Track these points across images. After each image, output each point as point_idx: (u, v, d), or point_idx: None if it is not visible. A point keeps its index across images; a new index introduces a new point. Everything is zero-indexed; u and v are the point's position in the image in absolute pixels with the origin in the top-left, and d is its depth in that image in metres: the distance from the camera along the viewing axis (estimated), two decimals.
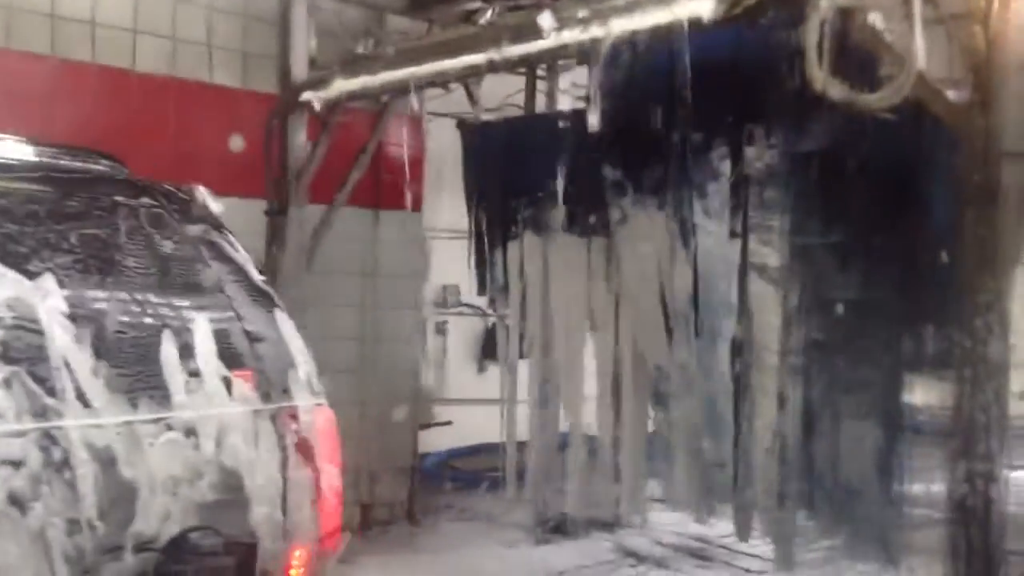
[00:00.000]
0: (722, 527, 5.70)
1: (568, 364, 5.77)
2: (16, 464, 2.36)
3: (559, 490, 5.94)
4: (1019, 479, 4.04)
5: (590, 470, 5.79)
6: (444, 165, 6.80)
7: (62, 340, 2.50)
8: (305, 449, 2.95)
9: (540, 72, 6.86)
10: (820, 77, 3.61)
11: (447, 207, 6.82)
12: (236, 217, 5.61)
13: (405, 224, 6.77)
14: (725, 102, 4.91)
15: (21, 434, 2.38)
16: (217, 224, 3.03)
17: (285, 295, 5.75)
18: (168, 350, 2.70)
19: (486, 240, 6.26)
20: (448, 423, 7.49)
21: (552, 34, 4.44)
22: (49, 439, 2.44)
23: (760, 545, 5.56)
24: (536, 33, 4.48)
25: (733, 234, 5.01)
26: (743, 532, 5.17)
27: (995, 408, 3.72)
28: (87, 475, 2.48)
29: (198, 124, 5.88)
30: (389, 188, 6.66)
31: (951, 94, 3.88)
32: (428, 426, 7.24)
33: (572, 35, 4.40)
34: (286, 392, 2.95)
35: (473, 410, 7.26)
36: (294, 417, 2.94)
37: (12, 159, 2.76)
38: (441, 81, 5.47)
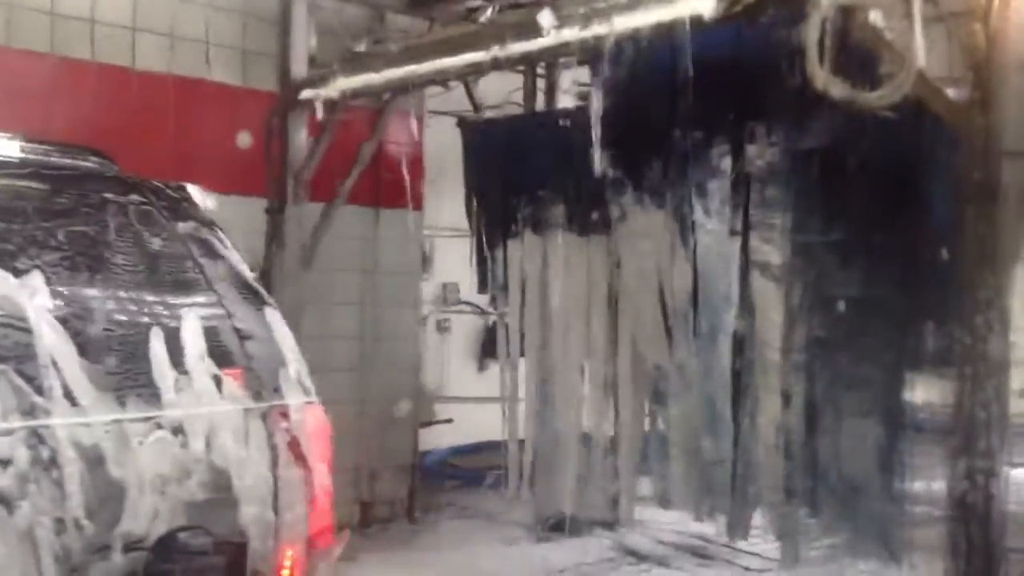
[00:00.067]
0: (722, 525, 5.67)
1: (567, 362, 5.75)
2: (3, 463, 2.34)
3: (559, 488, 5.92)
4: (1019, 477, 4.02)
5: (588, 468, 5.78)
6: (444, 163, 6.79)
7: (50, 338, 2.49)
8: (296, 448, 2.93)
9: (540, 70, 6.84)
10: (821, 75, 3.60)
11: (447, 205, 6.82)
12: (237, 215, 5.70)
13: (405, 222, 6.76)
14: (726, 100, 4.89)
15: (8, 433, 2.36)
16: (207, 221, 3.01)
17: (285, 293, 5.85)
18: (157, 348, 2.69)
19: (486, 238, 6.26)
20: (448, 421, 7.48)
21: (552, 32, 4.43)
22: (37, 438, 2.42)
23: (760, 544, 5.55)
24: (536, 31, 4.48)
25: (733, 232, 5.00)
26: (741, 531, 5.15)
27: (995, 405, 3.72)
28: (75, 474, 2.47)
29: (198, 122, 5.89)
30: (389, 186, 6.65)
31: (951, 92, 3.87)
32: (428, 424, 7.24)
33: (572, 33, 4.40)
34: (277, 391, 2.93)
35: (473, 408, 7.26)
36: (285, 416, 2.93)
37: None
38: (441, 79, 5.47)
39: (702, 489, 5.22)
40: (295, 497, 2.91)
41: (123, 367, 2.62)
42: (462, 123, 6.48)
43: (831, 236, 4.69)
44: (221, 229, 3.04)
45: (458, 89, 6.39)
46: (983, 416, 3.70)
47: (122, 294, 2.68)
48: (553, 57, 5.99)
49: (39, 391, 2.44)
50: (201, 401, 2.74)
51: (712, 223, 5.09)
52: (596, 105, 5.28)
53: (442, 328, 8.12)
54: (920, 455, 4.52)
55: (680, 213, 5.19)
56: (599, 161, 5.30)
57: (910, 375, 4.56)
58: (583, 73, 5.71)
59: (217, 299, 2.88)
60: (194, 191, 3.04)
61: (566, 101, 6.79)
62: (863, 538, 4.65)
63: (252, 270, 5.68)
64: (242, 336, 2.90)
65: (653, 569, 5.86)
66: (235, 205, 5.77)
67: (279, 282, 5.94)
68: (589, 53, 4.98)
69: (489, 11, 5.63)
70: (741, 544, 5.55)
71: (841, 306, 4.68)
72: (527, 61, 5.64)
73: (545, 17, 4.44)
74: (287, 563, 2.88)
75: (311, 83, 5.88)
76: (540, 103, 6.95)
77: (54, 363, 2.48)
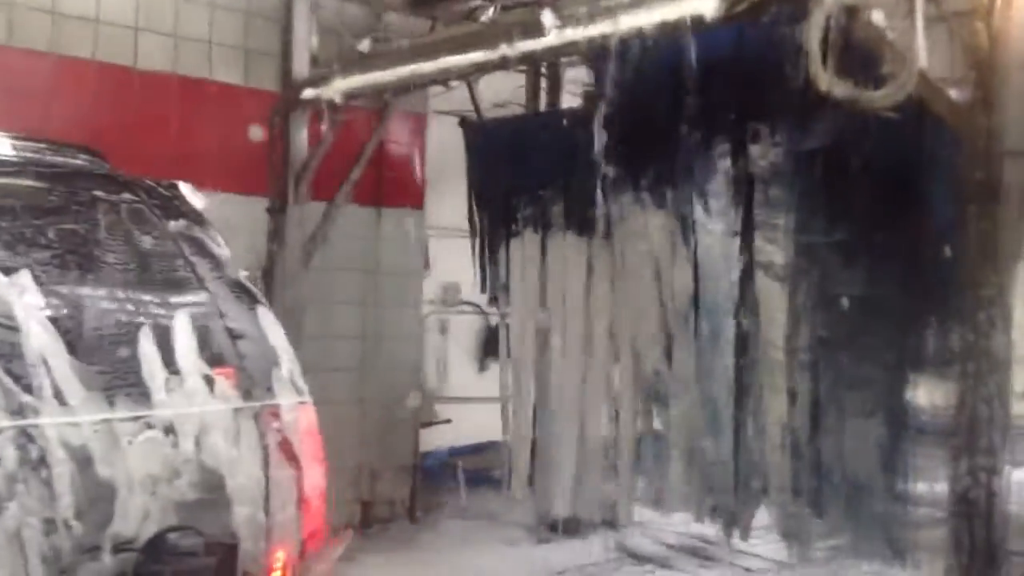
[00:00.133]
0: (724, 526, 5.64)
1: (567, 363, 5.73)
2: None
3: (559, 489, 5.90)
4: (1022, 477, 3.99)
5: (589, 469, 5.76)
6: (446, 163, 6.77)
7: (39, 337, 2.49)
8: (288, 448, 2.92)
9: (542, 69, 6.82)
10: (822, 75, 3.58)
11: (449, 205, 6.80)
12: (239, 215, 5.71)
13: (407, 222, 6.75)
14: (728, 100, 4.88)
15: None
16: (199, 220, 3.00)
17: (286, 292, 5.85)
18: (147, 347, 2.68)
19: (488, 238, 6.24)
20: (447, 421, 7.47)
21: (554, 31, 4.41)
22: (25, 437, 2.42)
23: (760, 545, 5.52)
24: (539, 30, 4.46)
25: (735, 232, 4.98)
26: (743, 532, 5.12)
27: (997, 402, 3.70)
28: (64, 474, 2.47)
29: (199, 122, 5.87)
30: (391, 186, 6.64)
31: (953, 93, 3.84)
32: (429, 424, 7.22)
33: (575, 32, 4.38)
34: (268, 390, 2.92)
35: (474, 408, 7.24)
36: (276, 416, 2.92)
37: None
38: (443, 79, 5.45)
39: (703, 490, 5.20)
40: (287, 498, 2.90)
41: (113, 366, 2.61)
42: (464, 123, 6.47)
43: (835, 236, 4.68)
44: (213, 227, 3.02)
45: (460, 89, 6.37)
46: (985, 412, 3.69)
47: (112, 293, 2.67)
48: (555, 56, 5.97)
49: (28, 390, 2.44)
50: (192, 400, 2.74)
51: (714, 223, 5.07)
52: (598, 105, 5.28)
53: (443, 328, 8.10)
54: (923, 456, 4.50)
55: (681, 213, 5.18)
56: (601, 161, 5.30)
57: (913, 375, 4.55)
58: (584, 73, 5.68)
59: (209, 298, 2.87)
60: (185, 189, 3.02)
61: (568, 101, 6.77)
62: (866, 538, 4.64)
63: (255, 269, 5.78)
64: (234, 335, 2.89)
65: (654, 570, 5.84)
66: (237, 204, 5.78)
67: (280, 281, 5.95)
68: (592, 53, 4.97)
69: (491, 11, 5.62)
70: (742, 545, 5.53)
71: (845, 306, 4.66)
72: (530, 60, 5.63)
73: (548, 16, 4.43)
74: (278, 564, 2.87)
75: (313, 83, 5.87)
76: (542, 103, 6.93)
77: (43, 362, 2.48)
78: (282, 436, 2.92)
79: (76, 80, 5.45)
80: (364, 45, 6.00)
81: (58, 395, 2.48)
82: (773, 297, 4.85)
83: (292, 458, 2.93)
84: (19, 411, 2.42)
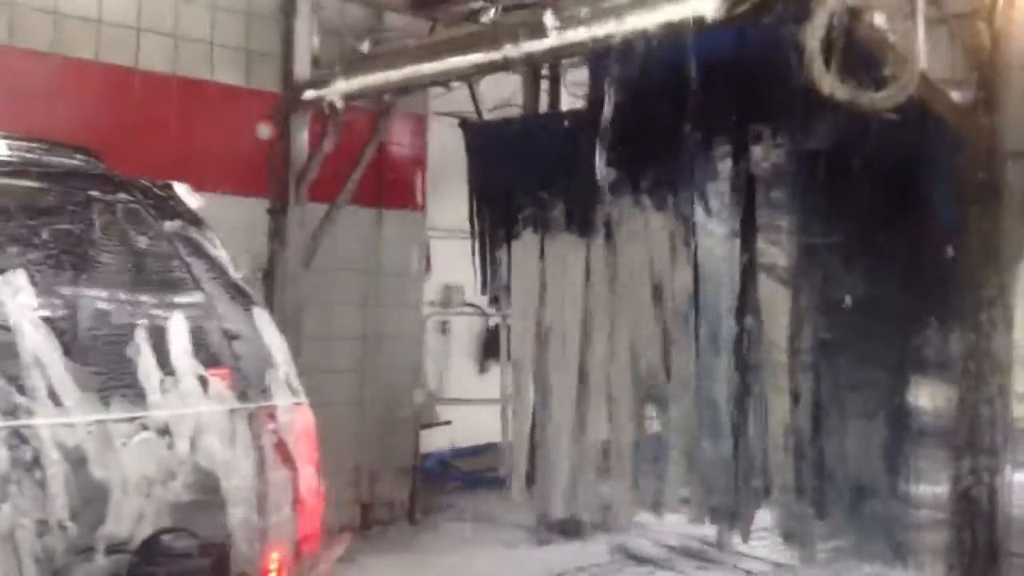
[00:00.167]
0: (725, 528, 5.63)
1: (567, 364, 5.72)
2: None
3: (559, 491, 5.89)
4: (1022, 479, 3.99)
5: (589, 471, 5.74)
6: (447, 164, 6.77)
7: (33, 337, 2.48)
8: (283, 449, 2.91)
9: (543, 71, 6.81)
10: (823, 76, 3.57)
11: (449, 206, 6.79)
12: (240, 215, 5.71)
13: (407, 223, 6.75)
14: (729, 101, 4.86)
15: None
16: (195, 220, 2.99)
17: (287, 293, 5.84)
18: (142, 348, 2.68)
19: (489, 239, 6.23)
20: (448, 423, 7.46)
21: (555, 33, 4.41)
22: (19, 438, 2.42)
23: (760, 547, 5.51)
24: (540, 32, 4.46)
25: (737, 234, 4.97)
26: (743, 534, 5.11)
27: (999, 402, 3.70)
28: (58, 475, 2.46)
29: (200, 123, 5.88)
30: (392, 187, 6.64)
31: (955, 94, 3.83)
32: (430, 426, 7.22)
33: (576, 34, 4.38)
34: (264, 391, 2.91)
35: (474, 410, 7.23)
36: (272, 417, 2.91)
37: None
38: (444, 80, 5.46)
39: (704, 491, 5.18)
40: (282, 499, 2.89)
41: (108, 367, 2.60)
42: (464, 124, 6.46)
43: (837, 237, 4.67)
44: (209, 228, 3.02)
45: (461, 90, 6.37)
46: (988, 413, 3.69)
47: (107, 293, 2.66)
48: (557, 58, 5.96)
49: (21, 390, 2.43)
50: (187, 402, 2.73)
51: (714, 225, 5.06)
52: (598, 106, 5.27)
53: (443, 329, 8.09)
54: (925, 457, 4.49)
55: (682, 215, 5.17)
56: (602, 162, 5.29)
57: (916, 377, 4.54)
58: (586, 74, 5.67)
59: (204, 298, 2.86)
60: (181, 190, 3.02)
61: (569, 102, 6.76)
62: (868, 540, 4.62)
63: (256, 270, 5.78)
64: (229, 336, 2.88)
65: (654, 572, 5.84)
66: (238, 205, 5.79)
67: (281, 282, 5.95)
68: (593, 54, 4.96)
69: (492, 12, 5.61)
70: (742, 547, 5.52)
71: (847, 307, 4.65)
72: (531, 62, 5.60)
73: (549, 18, 4.43)
74: (273, 566, 2.86)
75: (314, 84, 5.87)
76: (543, 104, 6.91)
77: (37, 362, 2.48)
78: (277, 437, 2.91)
79: (78, 81, 5.45)
80: (365, 46, 6.01)
81: (52, 396, 2.48)
82: (776, 299, 4.84)
83: (287, 459, 2.92)
84: (13, 412, 2.41)
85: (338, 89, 5.65)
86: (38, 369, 2.48)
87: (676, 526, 6.10)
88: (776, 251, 4.84)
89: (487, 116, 6.80)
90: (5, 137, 2.81)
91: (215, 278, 2.93)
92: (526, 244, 5.95)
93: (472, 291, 6.94)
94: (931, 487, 4.43)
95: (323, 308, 6.27)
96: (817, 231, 4.72)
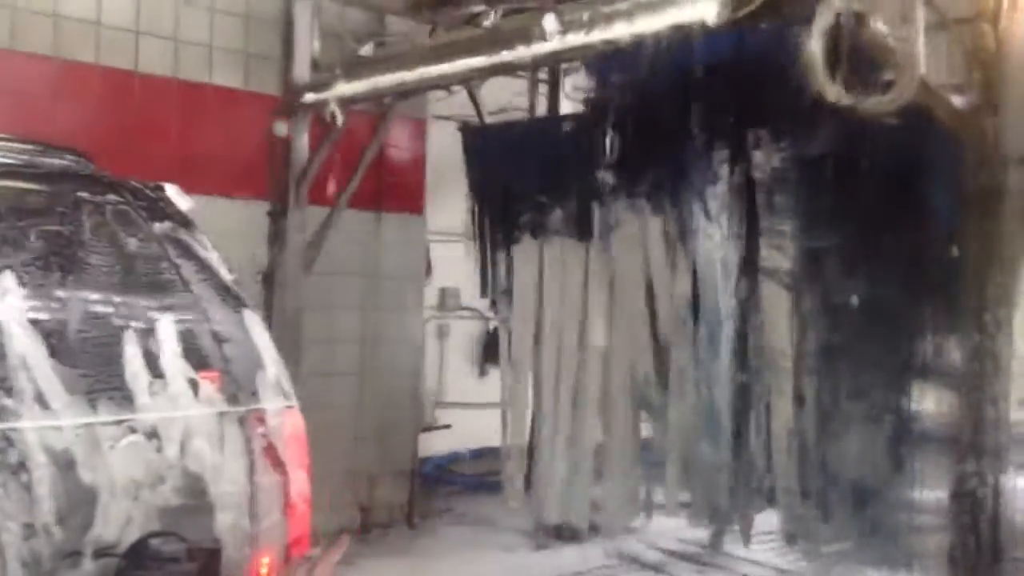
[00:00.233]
0: (724, 532, 5.61)
1: (565, 368, 5.71)
2: None
3: (557, 495, 5.87)
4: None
5: (587, 475, 5.73)
6: (446, 168, 6.76)
7: (20, 339, 2.47)
8: (273, 453, 2.89)
9: (542, 75, 6.81)
10: (825, 81, 3.56)
11: (449, 210, 6.78)
12: (239, 218, 5.71)
13: (407, 226, 6.74)
14: (730, 106, 4.85)
15: None
16: (185, 222, 2.98)
17: (286, 296, 5.84)
18: (131, 350, 2.66)
19: (488, 243, 6.22)
20: (447, 426, 7.45)
21: (556, 37, 4.41)
22: (5, 441, 2.40)
23: (759, 551, 5.49)
24: (540, 36, 4.46)
25: (738, 238, 4.96)
26: (740, 538, 5.09)
27: (1003, 403, 3.68)
28: (44, 478, 2.45)
29: (200, 126, 5.88)
30: (391, 190, 6.63)
31: (955, 99, 3.82)
32: (429, 429, 7.20)
33: (576, 38, 4.38)
34: (254, 394, 2.89)
35: (473, 414, 7.22)
36: (262, 420, 2.89)
37: None
38: (444, 84, 5.45)
39: (704, 495, 5.17)
40: (272, 504, 2.87)
41: (96, 369, 2.59)
42: (464, 128, 6.45)
43: (839, 241, 4.66)
44: (199, 230, 3.01)
45: (460, 93, 6.36)
46: (991, 415, 3.67)
47: (96, 295, 2.65)
48: (557, 62, 5.97)
49: (8, 393, 2.42)
50: (176, 405, 2.71)
51: (715, 229, 5.05)
52: (598, 110, 5.26)
53: (442, 333, 8.08)
54: (929, 461, 4.47)
55: (682, 219, 5.16)
56: (601, 166, 5.29)
57: (919, 380, 4.53)
58: (586, 78, 5.66)
59: (194, 301, 2.85)
60: (172, 191, 3.00)
61: (568, 106, 6.75)
62: (871, 544, 4.61)
63: (255, 273, 5.77)
64: (219, 338, 2.86)
65: None
66: (237, 208, 5.79)
67: (281, 285, 5.95)
68: (593, 58, 4.95)
69: (492, 16, 5.60)
70: (741, 551, 5.50)
71: (850, 311, 4.65)
72: (531, 66, 5.61)
73: (549, 22, 4.42)
74: (263, 571, 2.85)
75: (314, 87, 5.87)
76: (542, 108, 6.91)
77: (25, 365, 2.46)
78: (267, 441, 2.89)
79: (78, 84, 5.45)
80: (366, 49, 6.01)
81: (39, 398, 2.47)
82: (779, 303, 4.84)
83: (277, 463, 2.90)
84: None
85: (338, 92, 5.65)
86: (25, 371, 2.46)
87: (674, 530, 6.10)
88: (778, 255, 4.83)
89: (488, 120, 6.78)
90: None
91: (205, 280, 2.91)
92: (526, 248, 5.94)
93: (469, 295, 6.93)
94: (934, 490, 4.41)
95: (323, 311, 6.26)
96: (819, 235, 4.71)
